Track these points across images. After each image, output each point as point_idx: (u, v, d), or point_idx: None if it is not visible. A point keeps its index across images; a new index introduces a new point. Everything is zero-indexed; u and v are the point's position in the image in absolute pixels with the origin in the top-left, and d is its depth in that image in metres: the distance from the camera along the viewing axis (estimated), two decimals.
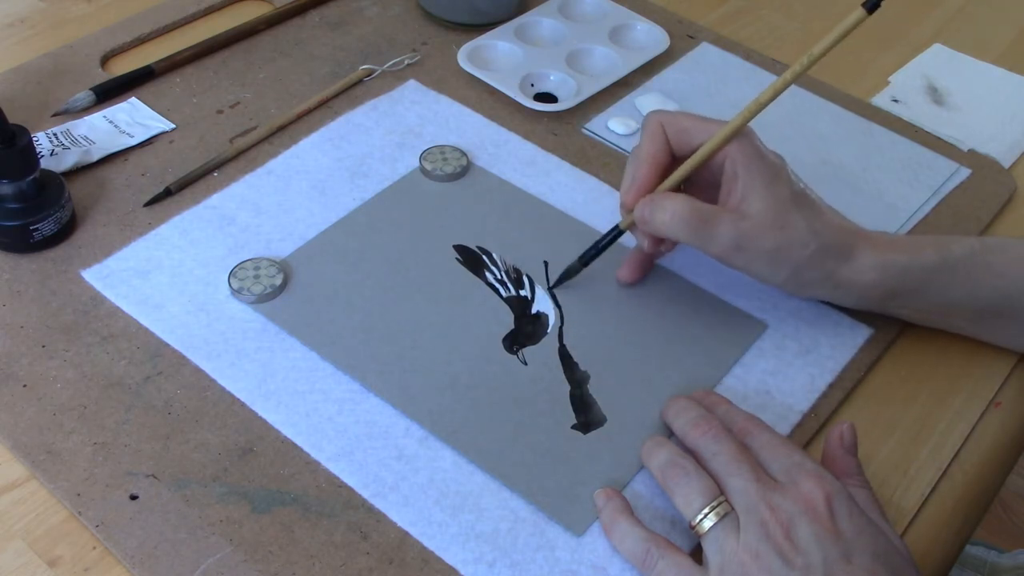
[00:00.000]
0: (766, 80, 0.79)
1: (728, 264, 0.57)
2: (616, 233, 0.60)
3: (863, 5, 0.51)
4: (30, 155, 0.59)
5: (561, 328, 0.59)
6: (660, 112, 0.58)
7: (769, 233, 0.55)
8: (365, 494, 0.51)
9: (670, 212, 0.55)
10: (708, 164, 0.57)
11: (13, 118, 0.60)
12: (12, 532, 0.49)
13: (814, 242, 0.55)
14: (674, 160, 0.58)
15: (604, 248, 0.61)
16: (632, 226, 0.59)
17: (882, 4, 0.50)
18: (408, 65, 0.77)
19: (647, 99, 0.76)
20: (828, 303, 0.62)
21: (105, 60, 0.76)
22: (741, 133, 0.56)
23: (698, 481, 0.48)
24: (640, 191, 0.57)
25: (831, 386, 0.58)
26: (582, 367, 0.57)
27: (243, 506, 0.50)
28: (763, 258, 0.56)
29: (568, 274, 0.61)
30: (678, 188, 0.59)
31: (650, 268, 0.63)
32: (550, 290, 0.61)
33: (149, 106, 0.71)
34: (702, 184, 0.59)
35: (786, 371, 0.58)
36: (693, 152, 0.57)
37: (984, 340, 0.61)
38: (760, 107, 0.55)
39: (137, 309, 0.58)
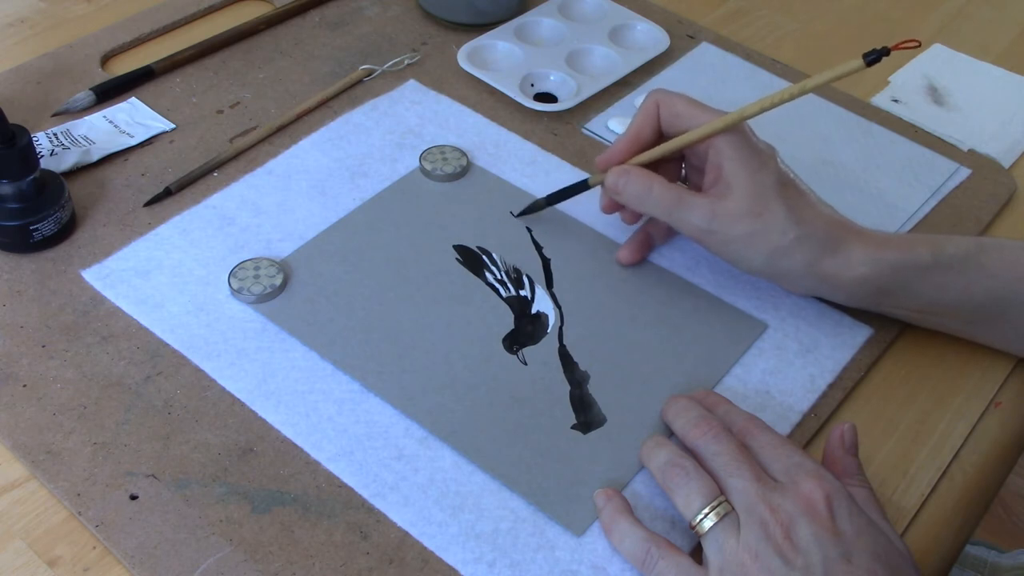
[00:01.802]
0: (766, 80, 0.79)
1: (704, 246, 0.59)
2: (583, 185, 0.64)
3: (864, 56, 0.52)
4: (30, 155, 0.59)
5: (561, 328, 0.59)
6: (661, 91, 0.60)
7: (744, 219, 0.56)
8: (365, 494, 0.51)
9: (645, 188, 0.58)
10: (696, 150, 0.59)
11: (13, 118, 0.60)
12: (12, 532, 0.49)
13: (793, 231, 0.56)
14: (661, 138, 0.61)
15: (569, 195, 0.65)
16: (599, 184, 0.62)
17: (882, 60, 0.52)
18: (408, 65, 0.77)
19: None
20: (828, 303, 0.62)
21: (105, 60, 0.76)
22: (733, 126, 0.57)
23: (698, 481, 0.48)
24: (612, 158, 0.61)
25: (831, 386, 0.58)
26: (582, 367, 0.57)
27: (243, 506, 0.50)
28: (736, 243, 0.57)
29: (533, 208, 0.65)
30: (677, 172, 0.62)
31: (648, 251, 0.64)
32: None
33: (149, 106, 0.71)
34: (694, 169, 0.61)
35: (786, 371, 0.58)
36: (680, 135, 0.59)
37: (979, 342, 0.61)
38: (743, 117, 0.57)
39: (137, 309, 0.58)
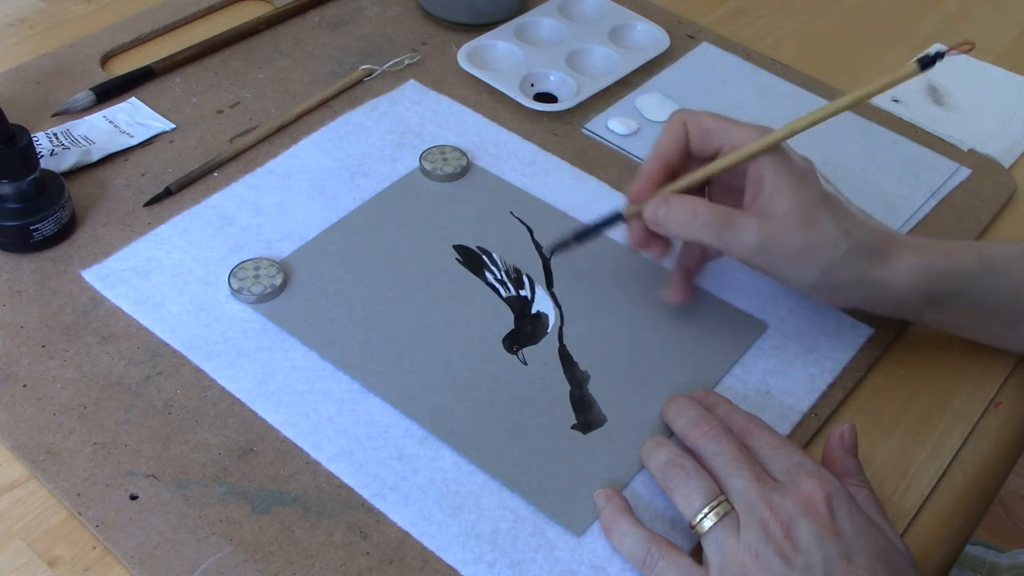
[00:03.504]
0: (766, 80, 0.79)
1: (753, 267, 0.56)
2: (616, 218, 0.59)
3: (917, 61, 0.50)
4: (30, 155, 0.59)
5: (561, 328, 0.59)
6: (685, 111, 0.58)
7: (796, 233, 0.54)
8: (365, 494, 0.51)
9: (690, 214, 0.55)
10: (735, 169, 0.56)
11: (13, 118, 0.60)
12: (12, 532, 0.49)
13: (845, 241, 0.54)
14: (690, 159, 0.58)
15: (602, 230, 0.60)
16: (634, 217, 0.58)
17: (936, 64, 0.50)
18: (408, 65, 0.77)
19: (647, 99, 0.76)
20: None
21: (105, 60, 0.76)
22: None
23: (698, 481, 0.48)
24: (645, 188, 0.57)
25: (831, 386, 0.58)
26: (582, 367, 0.57)
27: (243, 506, 0.50)
28: (791, 259, 0.55)
29: (562, 246, 0.61)
30: (701, 189, 0.58)
31: (693, 281, 0.62)
32: (547, 269, 0.62)
33: (149, 106, 0.71)
34: (722, 186, 0.59)
35: (786, 371, 0.58)
36: (713, 152, 0.57)
37: (1015, 350, 0.61)
38: (792, 132, 0.54)
39: (137, 309, 0.58)
